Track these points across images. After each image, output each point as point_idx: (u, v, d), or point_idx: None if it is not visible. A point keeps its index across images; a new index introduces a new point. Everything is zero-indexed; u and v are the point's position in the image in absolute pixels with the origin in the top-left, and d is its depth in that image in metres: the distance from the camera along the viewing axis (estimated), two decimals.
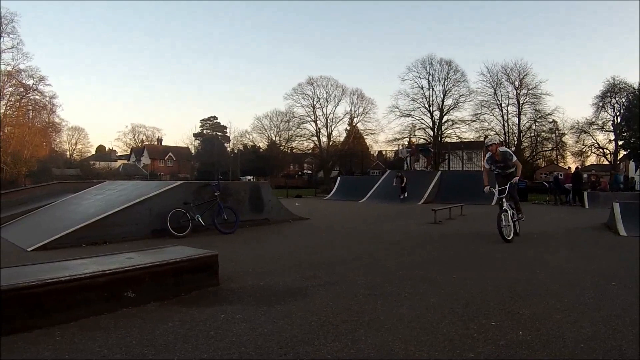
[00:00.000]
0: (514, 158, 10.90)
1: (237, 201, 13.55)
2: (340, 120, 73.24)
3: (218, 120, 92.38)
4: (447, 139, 62.32)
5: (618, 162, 58.72)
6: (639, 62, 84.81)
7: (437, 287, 6.04)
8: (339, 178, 39.17)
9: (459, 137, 62.03)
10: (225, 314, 4.82)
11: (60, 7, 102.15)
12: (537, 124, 62.34)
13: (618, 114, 57.66)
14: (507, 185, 10.57)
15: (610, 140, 59.55)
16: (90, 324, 4.48)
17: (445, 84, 64.15)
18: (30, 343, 4.01)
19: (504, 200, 10.45)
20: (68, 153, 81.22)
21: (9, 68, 64.49)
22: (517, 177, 10.69)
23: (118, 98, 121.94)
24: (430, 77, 64.50)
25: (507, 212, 10.24)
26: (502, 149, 11.05)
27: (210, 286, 5.92)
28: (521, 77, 62.40)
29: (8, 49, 63.76)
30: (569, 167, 36.84)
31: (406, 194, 28.29)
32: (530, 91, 62.11)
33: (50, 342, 4.02)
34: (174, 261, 5.68)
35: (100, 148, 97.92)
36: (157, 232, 11.01)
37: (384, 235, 12.08)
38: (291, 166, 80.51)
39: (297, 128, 74.44)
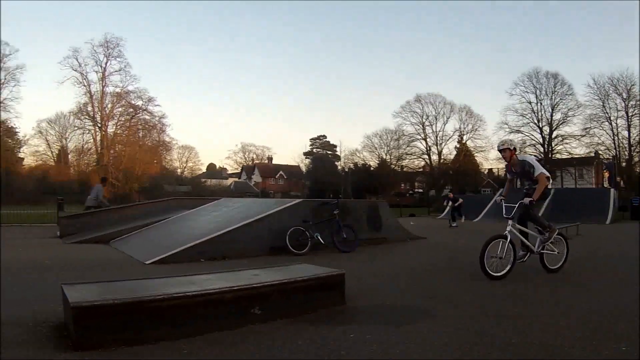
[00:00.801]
0: (538, 171, 8.50)
1: (355, 220, 13.56)
2: (450, 137, 72.95)
3: (328, 139, 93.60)
4: (558, 155, 61.51)
5: None
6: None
7: (564, 309, 5.94)
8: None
9: (570, 153, 61.09)
10: (355, 334, 4.79)
11: (166, 31, 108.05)
12: None
13: None
14: (517, 205, 8.45)
15: None
16: (216, 338, 4.55)
17: (553, 97, 63.01)
18: (155, 354, 4.12)
19: (509, 222, 8.31)
20: (179, 170, 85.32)
21: (117, 90, 69.75)
22: (532, 198, 8.29)
23: (228, 118, 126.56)
24: (538, 91, 63.61)
25: (505, 239, 8.13)
26: (522, 156, 8.92)
27: (337, 305, 5.95)
28: (628, 87, 59.05)
29: (116, 71, 69.35)
30: None
31: (455, 224, 24.08)
32: (638, 102, 58.73)
33: (175, 356, 4.11)
34: (301, 279, 5.79)
35: (211, 166, 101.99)
36: (275, 249, 11.25)
37: None
38: (402, 185, 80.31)
39: (407, 146, 74.92)
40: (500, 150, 8.84)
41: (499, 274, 7.93)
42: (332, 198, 13.80)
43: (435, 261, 10.65)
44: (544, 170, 8.62)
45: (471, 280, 8.01)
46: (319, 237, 11.96)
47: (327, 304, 5.84)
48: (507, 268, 8.09)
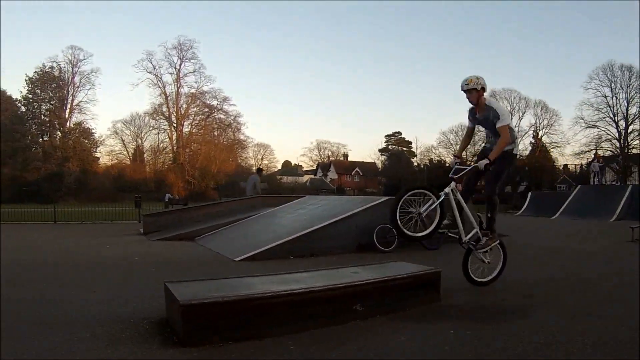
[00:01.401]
0: (502, 122, 6.65)
1: None
2: (525, 133, 71.42)
3: (403, 136, 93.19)
4: (634, 150, 60.24)
5: None
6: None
7: None
8: (529, 193, 37.99)
9: None
10: (455, 331, 4.90)
11: (243, 32, 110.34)
12: None
13: None
14: (469, 167, 6.94)
15: None
16: (321, 335, 4.70)
17: (628, 91, 61.45)
18: (262, 350, 4.30)
19: (451, 184, 6.63)
20: (254, 168, 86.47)
21: (192, 90, 72.15)
22: (488, 161, 6.56)
23: (302, 116, 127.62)
24: (613, 84, 62.19)
25: (437, 198, 6.40)
26: (489, 100, 6.90)
27: (432, 302, 6.06)
28: None
29: (190, 72, 71.99)
30: None
31: None
32: None
33: (283, 352, 4.26)
34: (401, 277, 5.92)
35: (286, 163, 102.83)
36: (362, 246, 11.34)
37: (586, 253, 11.79)
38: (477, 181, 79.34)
39: (483, 142, 73.28)
40: (464, 91, 6.79)
41: (412, 234, 6.35)
42: None
43: (518, 259, 10.22)
44: (512, 123, 6.95)
45: (558, 279, 7.95)
46: None
47: (424, 301, 5.95)
48: (426, 232, 6.48)
